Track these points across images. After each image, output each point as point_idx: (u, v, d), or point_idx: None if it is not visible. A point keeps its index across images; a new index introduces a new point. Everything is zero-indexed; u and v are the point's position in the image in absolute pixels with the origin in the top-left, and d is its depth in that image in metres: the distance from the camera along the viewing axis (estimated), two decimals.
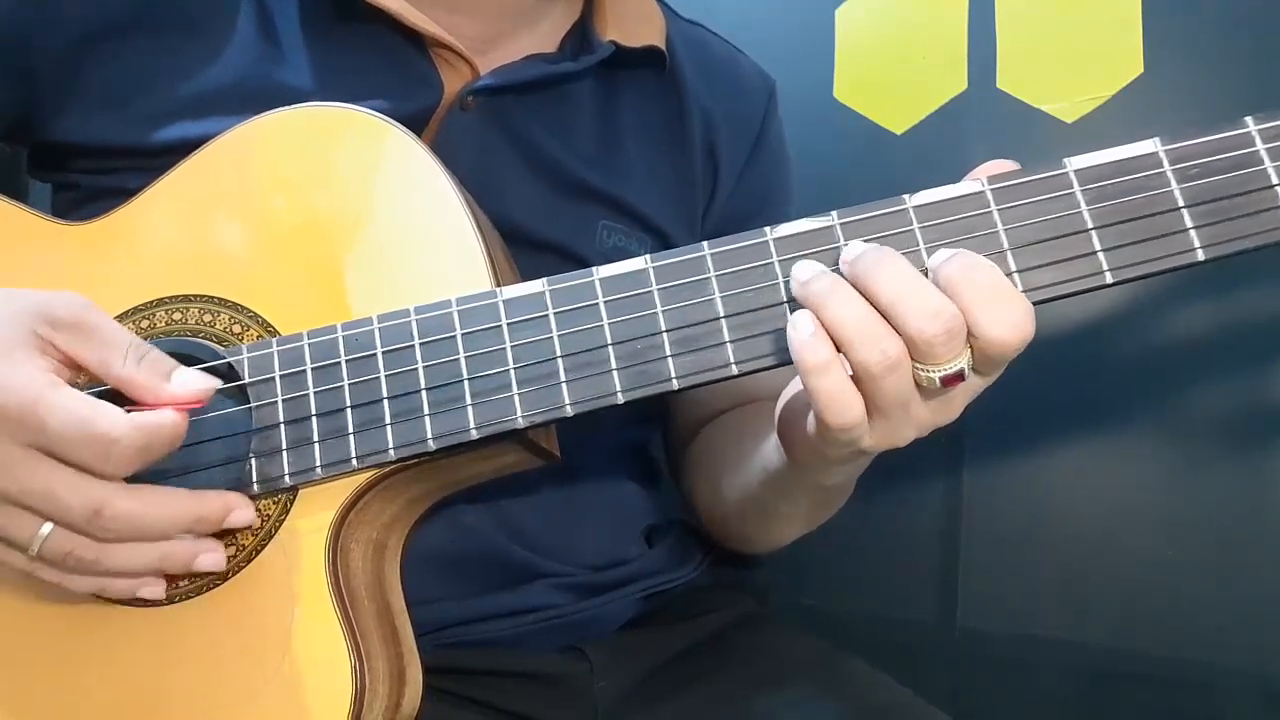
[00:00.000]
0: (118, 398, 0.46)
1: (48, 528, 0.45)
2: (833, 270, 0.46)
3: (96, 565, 0.46)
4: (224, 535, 0.50)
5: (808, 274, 0.46)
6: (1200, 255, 0.46)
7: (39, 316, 0.46)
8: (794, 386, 0.54)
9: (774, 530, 0.69)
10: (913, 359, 0.44)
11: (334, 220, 0.54)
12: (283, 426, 0.51)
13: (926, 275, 0.45)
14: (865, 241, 0.47)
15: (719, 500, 0.70)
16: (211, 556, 0.48)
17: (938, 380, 0.44)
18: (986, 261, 0.45)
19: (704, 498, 0.73)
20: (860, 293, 0.45)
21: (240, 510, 0.49)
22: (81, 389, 0.46)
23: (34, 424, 0.43)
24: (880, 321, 0.44)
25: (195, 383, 0.48)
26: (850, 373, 0.45)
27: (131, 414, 0.45)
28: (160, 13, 0.62)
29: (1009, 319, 0.44)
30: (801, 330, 0.45)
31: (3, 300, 0.46)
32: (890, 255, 0.45)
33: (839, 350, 0.45)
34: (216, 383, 0.48)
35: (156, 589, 0.49)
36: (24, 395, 0.43)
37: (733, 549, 0.74)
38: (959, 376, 0.45)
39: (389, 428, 0.50)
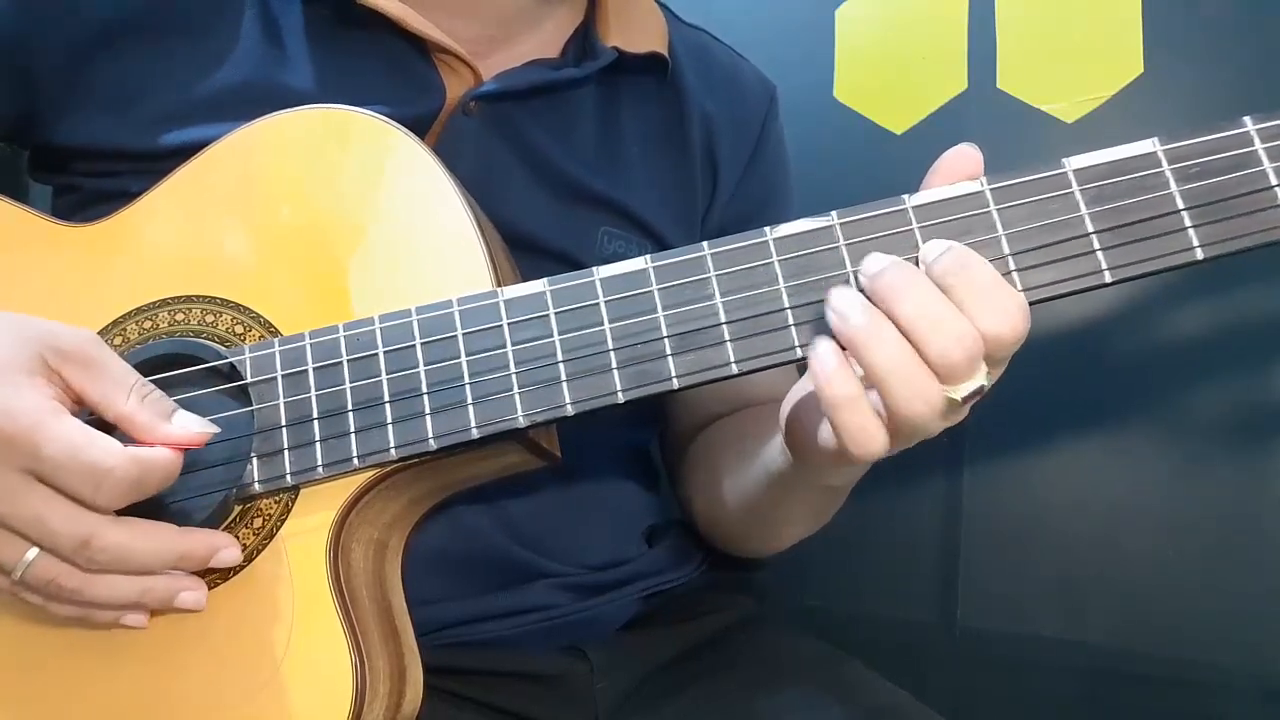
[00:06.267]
0: (118, 436, 0.47)
1: (33, 553, 0.45)
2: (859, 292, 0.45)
3: (78, 594, 0.46)
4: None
5: (844, 306, 0.45)
6: (1199, 254, 0.46)
7: (48, 345, 0.46)
8: (800, 389, 0.54)
9: (775, 532, 0.69)
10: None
11: (335, 221, 0.54)
12: (284, 426, 0.51)
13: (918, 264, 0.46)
14: (870, 239, 0.47)
15: (718, 504, 0.70)
16: (192, 595, 0.49)
17: (959, 399, 0.44)
18: (978, 257, 0.45)
19: (701, 502, 0.73)
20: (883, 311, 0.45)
21: (226, 550, 0.49)
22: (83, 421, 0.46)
23: (29, 449, 0.43)
24: (914, 359, 0.44)
25: (194, 425, 0.48)
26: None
27: (128, 447, 0.45)
28: (163, 16, 0.62)
29: (1002, 313, 0.44)
30: (826, 362, 0.44)
31: (13, 325, 0.47)
32: (916, 278, 0.45)
33: (868, 384, 0.45)
34: (215, 429, 0.49)
35: (139, 619, 0.49)
36: (24, 420, 0.43)
37: (730, 554, 0.74)
38: (978, 392, 0.45)
39: (390, 427, 0.50)
